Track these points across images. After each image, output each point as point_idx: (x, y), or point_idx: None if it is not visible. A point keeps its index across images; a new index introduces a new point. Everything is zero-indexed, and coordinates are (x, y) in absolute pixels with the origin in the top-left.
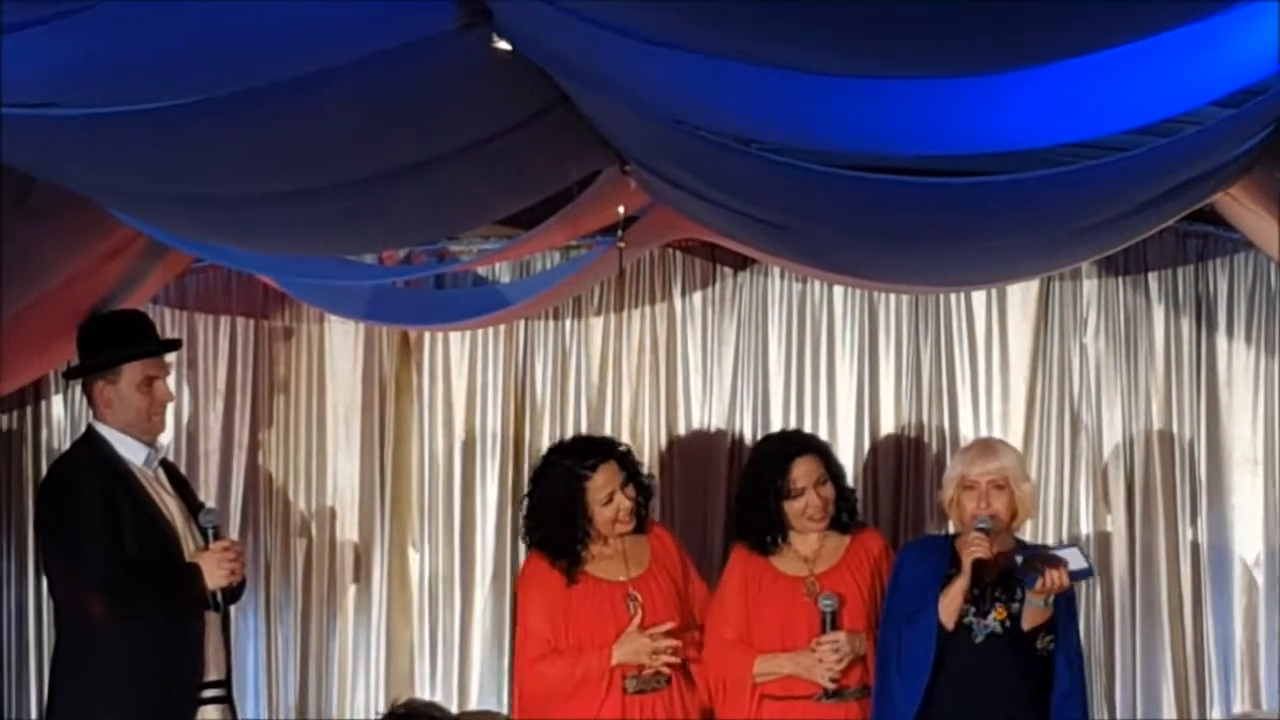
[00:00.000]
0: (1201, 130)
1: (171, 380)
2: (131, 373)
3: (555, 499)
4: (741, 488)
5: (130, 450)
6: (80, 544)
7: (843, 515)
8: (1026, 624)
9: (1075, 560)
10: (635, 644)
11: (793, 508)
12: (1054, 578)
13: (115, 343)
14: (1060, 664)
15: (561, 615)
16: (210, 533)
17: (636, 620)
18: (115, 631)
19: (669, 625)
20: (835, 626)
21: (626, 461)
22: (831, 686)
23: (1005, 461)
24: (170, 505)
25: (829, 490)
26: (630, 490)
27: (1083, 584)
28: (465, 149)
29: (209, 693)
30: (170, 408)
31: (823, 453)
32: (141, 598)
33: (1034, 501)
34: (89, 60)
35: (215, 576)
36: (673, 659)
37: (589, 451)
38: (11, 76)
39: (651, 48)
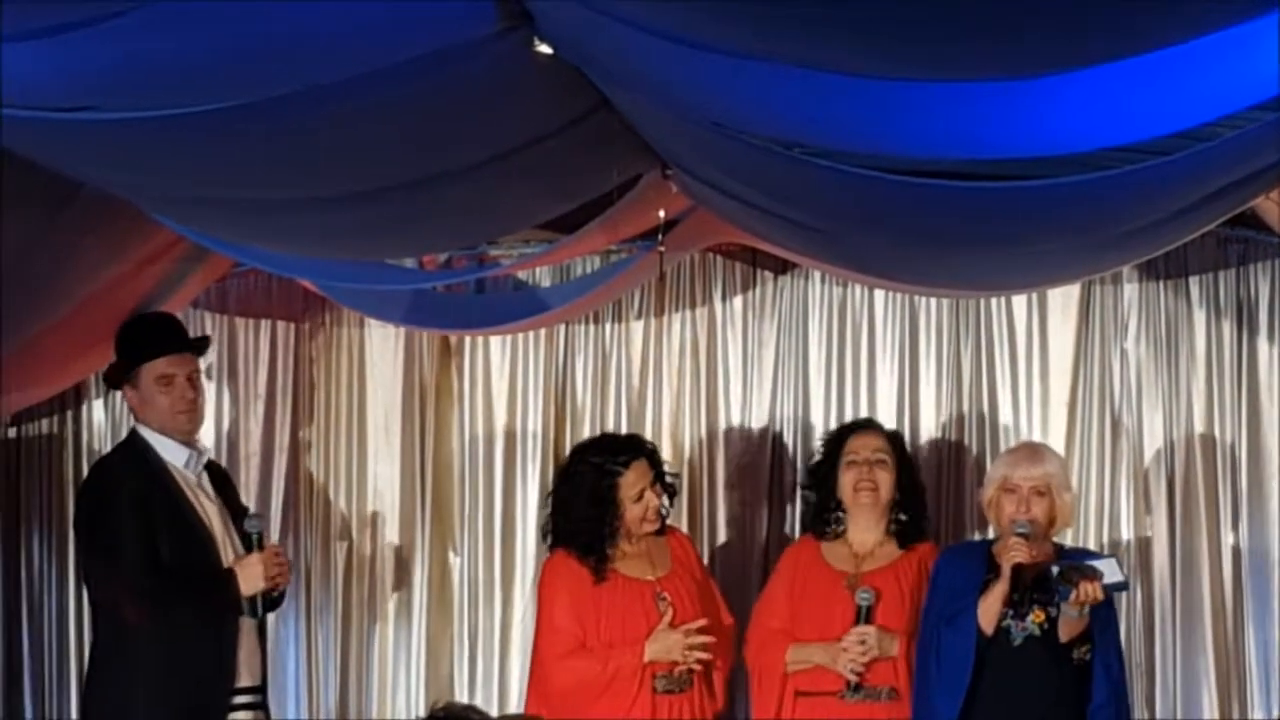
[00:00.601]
0: (1242, 134)
1: (212, 384)
2: (148, 373)
3: (585, 496)
4: (813, 460)
5: (170, 452)
6: (113, 546)
7: (908, 526)
8: (1063, 635)
9: (1111, 573)
10: (667, 641)
11: (845, 481)
12: (1088, 591)
13: (132, 346)
14: (1098, 673)
15: (591, 613)
16: (255, 539)
17: (667, 618)
18: (147, 635)
19: (702, 622)
20: (868, 620)
21: (655, 460)
22: (854, 679)
23: (1049, 468)
24: (209, 509)
25: (885, 475)
26: (658, 489)
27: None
28: (506, 153)
29: (241, 698)
30: (211, 411)
31: (892, 440)
32: (172, 602)
33: (1073, 511)
34: (131, 64)
35: (252, 583)
36: (705, 656)
37: (620, 449)
38: (54, 80)
39: (692, 50)
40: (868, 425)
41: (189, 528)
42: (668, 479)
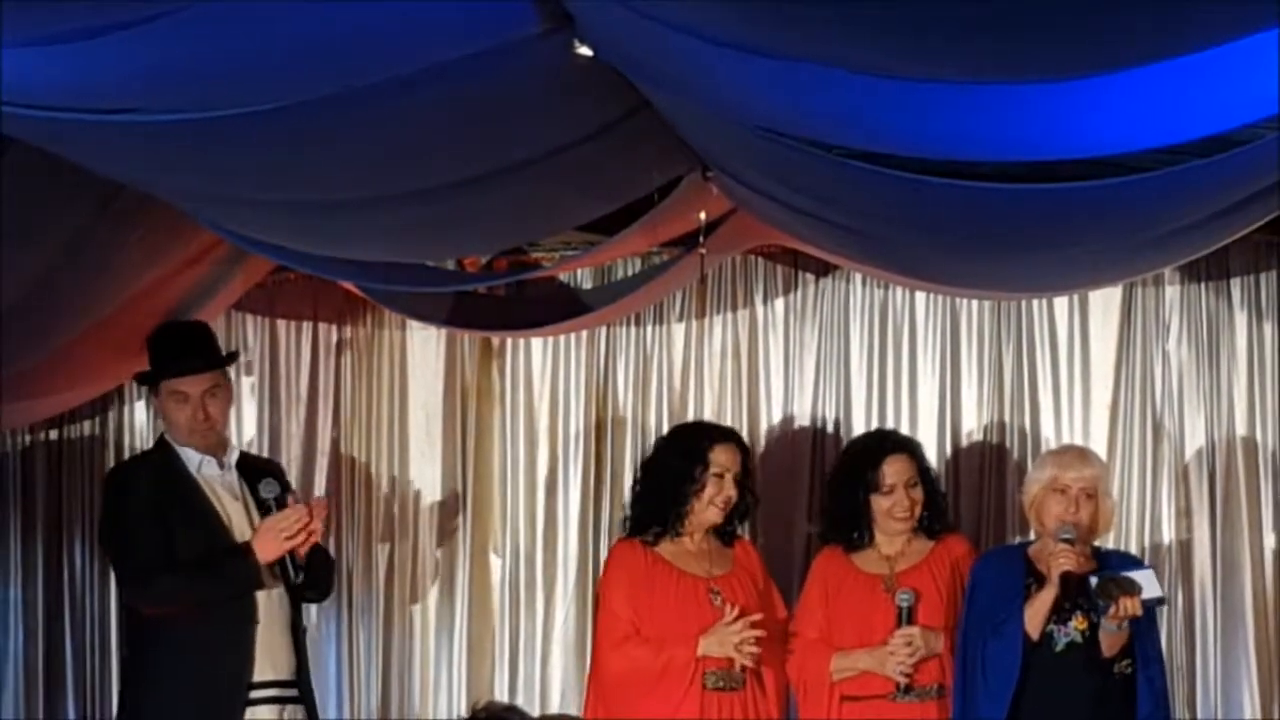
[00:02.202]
0: None
1: (254, 386)
2: (164, 388)
3: (678, 454)
4: (833, 479)
5: (189, 458)
6: (125, 544)
7: (931, 522)
8: (1105, 649)
9: (1150, 587)
10: (721, 634)
11: (879, 505)
12: (1126, 606)
13: (153, 360)
14: (1142, 687)
15: (646, 602)
16: (271, 503)
17: (728, 614)
18: (163, 628)
19: (757, 617)
20: (911, 622)
21: (745, 460)
22: (904, 681)
23: (1098, 471)
24: (231, 509)
25: (918, 493)
26: (737, 484)
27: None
28: (547, 155)
29: (264, 692)
30: (252, 413)
31: (916, 454)
32: (186, 588)
33: (1113, 518)
34: (170, 65)
35: (269, 549)
36: (754, 650)
37: (720, 431)
38: (97, 81)
39: (732, 52)
40: (896, 446)
41: (206, 527)
42: (749, 487)
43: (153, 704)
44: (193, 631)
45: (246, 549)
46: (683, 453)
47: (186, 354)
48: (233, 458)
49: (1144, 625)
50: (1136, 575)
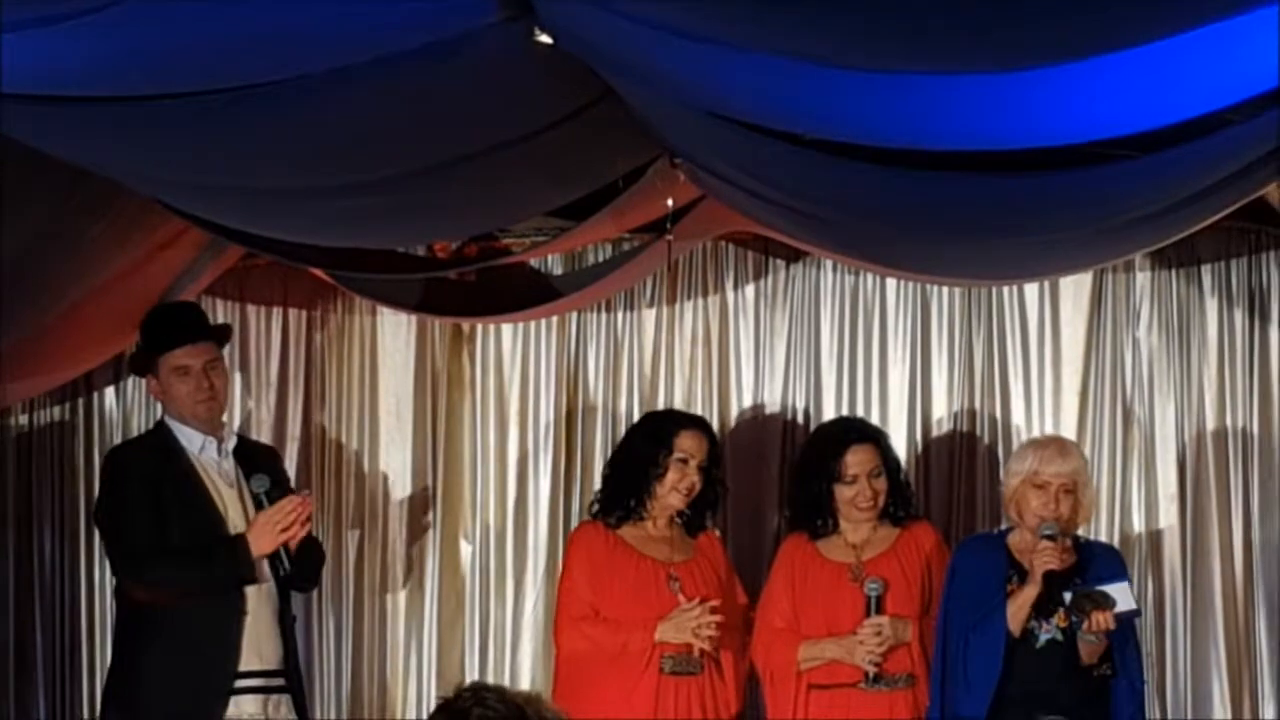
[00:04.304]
0: (1250, 123)
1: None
2: (165, 364)
3: (644, 437)
4: (797, 467)
5: (190, 440)
6: (119, 527)
7: (896, 510)
8: (1084, 657)
9: (1124, 600)
10: (679, 620)
11: (842, 494)
12: (1099, 621)
13: (150, 337)
14: (1123, 689)
15: (605, 584)
16: (262, 498)
17: (682, 601)
18: (148, 617)
19: (714, 603)
20: (879, 611)
21: (714, 451)
22: (873, 670)
23: (1078, 464)
24: (226, 496)
25: (881, 483)
26: (701, 472)
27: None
28: (510, 142)
29: (251, 681)
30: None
31: (880, 444)
32: (170, 578)
33: (1093, 508)
34: (130, 50)
35: (263, 542)
36: (713, 634)
37: (688, 419)
38: (59, 68)
39: (690, 42)
40: (863, 436)
41: (199, 512)
42: (716, 479)
43: (136, 693)
44: (179, 621)
45: (241, 541)
46: (649, 437)
47: (183, 327)
48: (231, 444)
49: (1124, 631)
50: (1110, 589)
